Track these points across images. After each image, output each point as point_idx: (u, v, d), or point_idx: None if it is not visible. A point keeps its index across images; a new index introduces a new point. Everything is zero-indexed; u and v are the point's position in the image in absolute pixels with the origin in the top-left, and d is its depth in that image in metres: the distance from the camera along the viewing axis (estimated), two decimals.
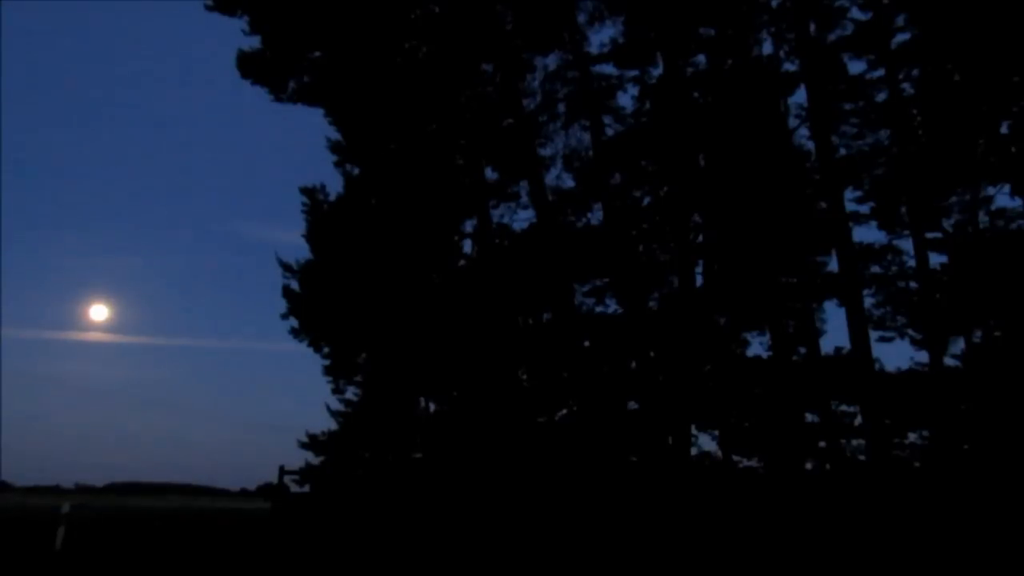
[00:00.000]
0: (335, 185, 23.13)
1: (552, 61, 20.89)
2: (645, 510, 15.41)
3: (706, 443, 17.79)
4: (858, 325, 15.85)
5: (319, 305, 21.93)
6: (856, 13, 17.09)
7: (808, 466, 16.76)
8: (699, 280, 18.67)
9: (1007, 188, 15.39)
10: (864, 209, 17.02)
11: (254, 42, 21.35)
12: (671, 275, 19.24)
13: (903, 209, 16.36)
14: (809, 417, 16.74)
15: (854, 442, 16.49)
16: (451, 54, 20.68)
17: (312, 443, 21.51)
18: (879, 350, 16.31)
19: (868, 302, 16.58)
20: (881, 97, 16.92)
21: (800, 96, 17.81)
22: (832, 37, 17.34)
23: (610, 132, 20.01)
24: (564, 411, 19.69)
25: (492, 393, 19.69)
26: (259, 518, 27.48)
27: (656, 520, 14.98)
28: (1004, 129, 15.54)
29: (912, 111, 16.65)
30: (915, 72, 16.56)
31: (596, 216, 20.17)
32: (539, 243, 20.01)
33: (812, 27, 17.30)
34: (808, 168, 17.81)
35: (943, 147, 15.59)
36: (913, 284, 16.55)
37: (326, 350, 22.31)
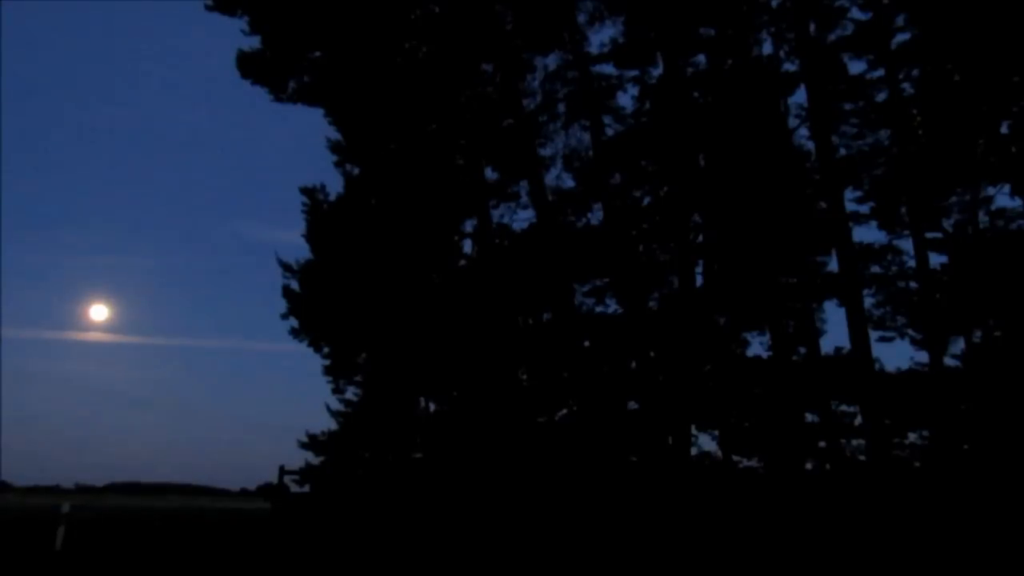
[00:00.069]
0: (335, 185, 23.14)
1: (552, 61, 20.94)
2: (645, 510, 15.41)
3: (706, 443, 17.80)
4: (858, 325, 15.86)
5: (319, 305, 21.92)
6: (856, 13, 17.12)
7: (808, 466, 16.75)
8: (699, 280, 18.68)
9: (1007, 188, 15.39)
10: (864, 209, 17.03)
11: (254, 42, 21.39)
12: (671, 275, 19.24)
13: (903, 209, 16.35)
14: (809, 417, 16.74)
15: (854, 442, 16.51)
16: (451, 54, 20.68)
17: (312, 443, 21.51)
18: (879, 350, 16.34)
19: (868, 302, 16.58)
20: (881, 97, 16.94)
21: (800, 96, 17.85)
22: (832, 37, 17.35)
23: (610, 132, 20.03)
24: (564, 411, 19.69)
25: (492, 393, 19.68)
26: (259, 518, 27.49)
27: (656, 520, 14.98)
28: (1004, 129, 15.53)
29: (912, 111, 16.63)
30: (915, 72, 16.56)
31: (596, 216, 20.21)
32: (539, 243, 20.01)
33: (812, 27, 17.30)
34: (808, 168, 17.81)
35: (943, 147, 15.58)
36: (913, 284, 16.55)
37: (326, 350, 22.31)
